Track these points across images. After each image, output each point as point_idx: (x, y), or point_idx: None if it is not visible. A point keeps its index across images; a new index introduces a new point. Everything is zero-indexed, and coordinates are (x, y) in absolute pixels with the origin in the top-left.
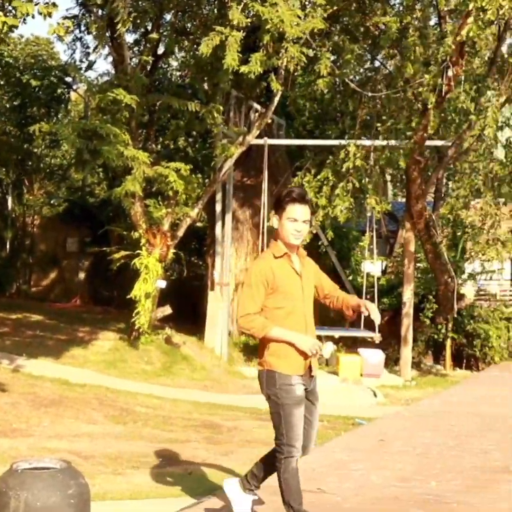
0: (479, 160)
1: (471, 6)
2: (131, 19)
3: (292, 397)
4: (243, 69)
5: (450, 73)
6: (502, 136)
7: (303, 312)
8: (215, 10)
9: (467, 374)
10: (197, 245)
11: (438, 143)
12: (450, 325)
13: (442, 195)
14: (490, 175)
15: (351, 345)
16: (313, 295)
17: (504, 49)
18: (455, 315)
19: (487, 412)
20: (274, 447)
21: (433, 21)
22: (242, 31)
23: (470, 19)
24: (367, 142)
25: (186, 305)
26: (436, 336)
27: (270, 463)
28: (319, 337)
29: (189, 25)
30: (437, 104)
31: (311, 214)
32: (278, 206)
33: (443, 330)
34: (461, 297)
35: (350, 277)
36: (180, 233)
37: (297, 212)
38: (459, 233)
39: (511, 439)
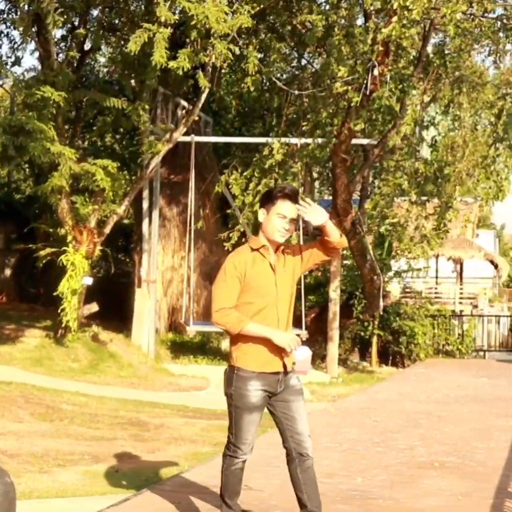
0: (405, 159)
1: (395, 5)
2: (57, 15)
3: (245, 402)
4: (172, 64)
5: (375, 72)
6: (427, 135)
7: (276, 309)
8: (143, 7)
9: (393, 370)
10: (124, 242)
11: (364, 141)
12: (376, 322)
13: (368, 193)
14: (415, 174)
15: None
16: (290, 292)
17: (429, 48)
18: (381, 313)
19: (412, 408)
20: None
21: (360, 20)
22: (169, 27)
23: (395, 18)
24: (293, 140)
25: (113, 303)
26: (362, 333)
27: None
28: None
29: (116, 21)
30: (363, 103)
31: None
32: (267, 200)
33: (370, 327)
34: (387, 294)
35: None
36: (107, 230)
37: (287, 209)
38: (385, 231)
39: (435, 435)
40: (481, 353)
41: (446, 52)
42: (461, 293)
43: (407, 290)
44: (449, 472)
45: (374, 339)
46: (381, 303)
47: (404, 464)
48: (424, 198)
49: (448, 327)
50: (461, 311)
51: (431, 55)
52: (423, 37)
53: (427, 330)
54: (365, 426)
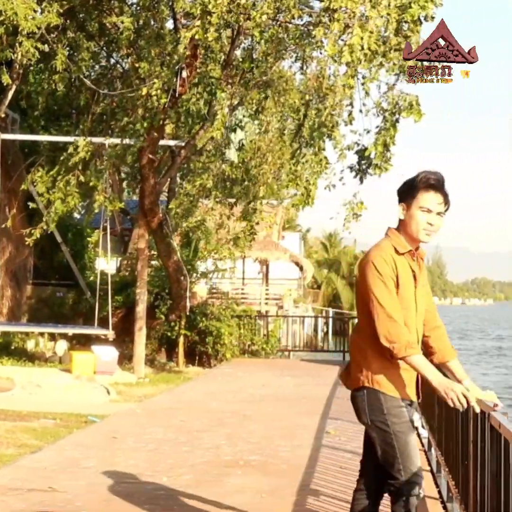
0: (211, 161)
1: (198, 9)
2: None
3: (404, 421)
4: None
5: (184, 74)
6: (235, 138)
7: (416, 328)
8: None
9: (199, 370)
10: None
11: (171, 142)
12: (183, 322)
13: (175, 194)
14: (221, 175)
15: (85, 342)
16: (424, 308)
17: (238, 53)
18: (188, 313)
19: (218, 408)
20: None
21: (170, 22)
22: None
23: (198, 22)
24: (100, 139)
25: None
26: (169, 334)
27: None
28: (53, 336)
29: None
30: (171, 105)
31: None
32: (408, 193)
33: (176, 328)
34: (193, 295)
35: (88, 276)
36: None
37: (433, 201)
38: (190, 232)
39: (241, 434)
40: (286, 353)
41: (254, 56)
42: (267, 294)
43: (214, 291)
44: (254, 470)
45: (181, 340)
46: (188, 304)
47: (209, 463)
48: (231, 200)
49: (254, 328)
50: (267, 311)
51: (239, 59)
52: (231, 41)
53: (233, 331)
54: (171, 426)
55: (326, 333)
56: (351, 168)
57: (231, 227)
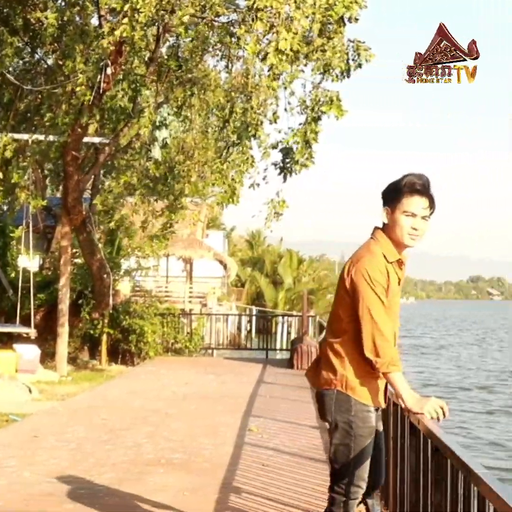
0: (135, 158)
1: (127, 7)
2: None
3: (368, 427)
4: None
5: (108, 71)
6: (159, 136)
7: (395, 335)
8: None
9: (122, 369)
10: None
11: (96, 139)
12: (106, 320)
13: (99, 191)
14: (145, 173)
15: (7, 341)
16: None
17: (164, 50)
18: (111, 311)
19: (141, 406)
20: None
21: (95, 18)
22: None
23: (125, 20)
24: (23, 136)
25: None
26: (92, 332)
27: None
28: None
29: None
30: (95, 102)
31: None
32: (392, 196)
33: (99, 326)
34: (117, 293)
35: (9, 273)
36: None
37: (417, 205)
38: (114, 228)
39: (163, 432)
40: (210, 351)
41: (180, 54)
42: (190, 292)
43: (137, 288)
44: (176, 468)
45: (104, 338)
46: (111, 302)
47: (131, 461)
48: (154, 197)
49: (178, 326)
50: (190, 310)
51: (165, 57)
52: (157, 39)
53: (157, 329)
54: (93, 424)
55: (249, 331)
56: (275, 164)
57: (155, 225)
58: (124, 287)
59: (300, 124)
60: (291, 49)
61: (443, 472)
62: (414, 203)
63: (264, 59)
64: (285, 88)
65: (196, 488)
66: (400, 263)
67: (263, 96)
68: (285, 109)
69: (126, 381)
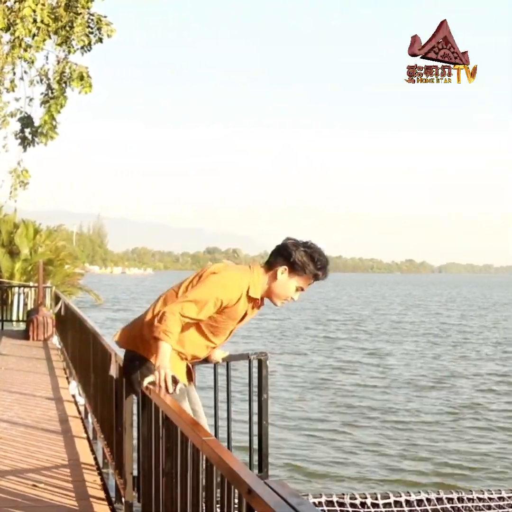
0: None
1: None
2: None
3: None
4: None
5: None
6: None
7: (211, 349)
8: None
9: None
10: None
11: None
12: None
13: None
14: None
15: None
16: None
17: None
18: None
19: None
20: None
21: None
22: None
23: None
24: None
25: None
26: None
27: None
28: None
29: None
30: None
31: None
32: (298, 266)
33: None
34: None
35: None
36: None
37: (310, 285)
38: None
39: None
40: None
41: None
42: None
43: None
44: None
45: None
46: None
47: None
48: None
49: None
50: None
51: None
52: None
53: None
54: None
55: None
56: (16, 135)
57: None
58: None
59: (42, 94)
60: (41, 21)
61: (173, 440)
62: (310, 284)
63: (13, 30)
64: (24, 56)
65: None
66: (256, 303)
67: (0, 64)
68: (21, 78)
69: None
